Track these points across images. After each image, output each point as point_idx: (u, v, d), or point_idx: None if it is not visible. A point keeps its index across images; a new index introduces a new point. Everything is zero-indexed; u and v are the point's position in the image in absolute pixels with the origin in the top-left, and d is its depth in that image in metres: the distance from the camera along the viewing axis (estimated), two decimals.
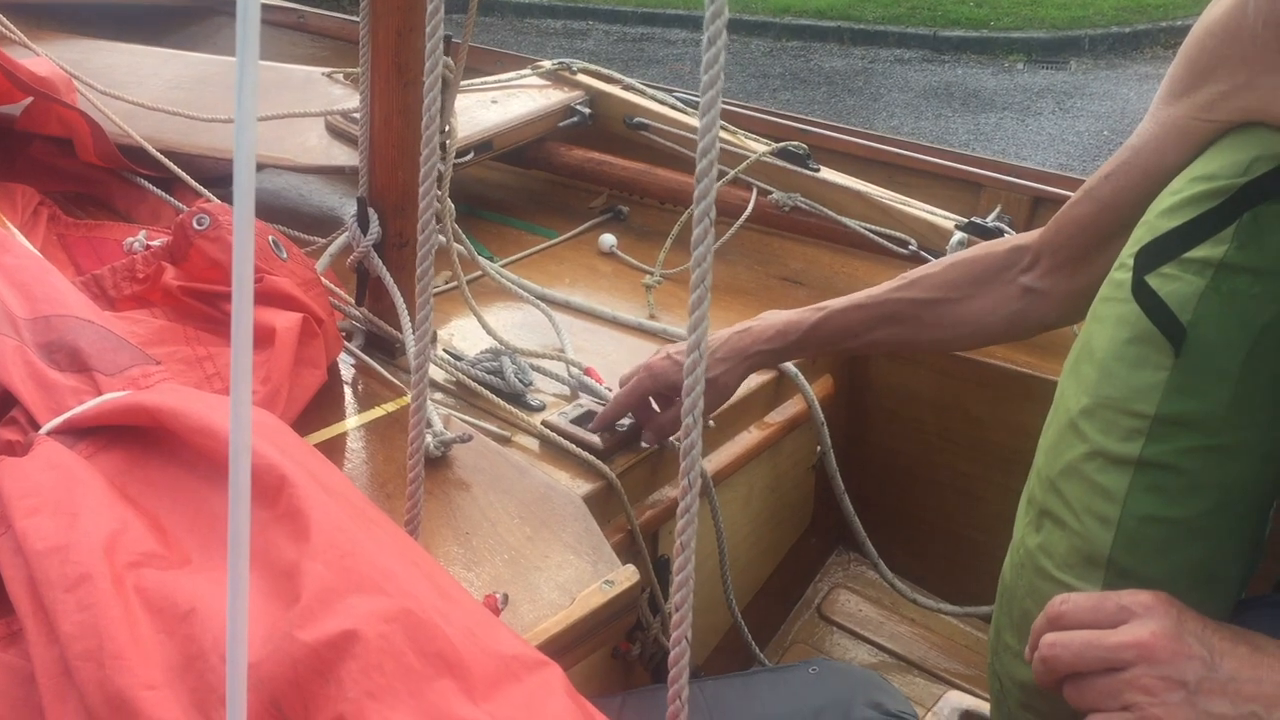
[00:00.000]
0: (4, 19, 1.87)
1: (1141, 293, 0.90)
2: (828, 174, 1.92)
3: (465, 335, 1.63)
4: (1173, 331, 0.88)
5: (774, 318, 1.38)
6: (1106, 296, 0.96)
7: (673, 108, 2.12)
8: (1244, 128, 0.91)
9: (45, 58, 1.82)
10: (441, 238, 1.58)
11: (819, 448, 1.68)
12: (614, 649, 1.40)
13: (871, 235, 1.85)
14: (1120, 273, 0.94)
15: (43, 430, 0.89)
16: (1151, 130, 1.01)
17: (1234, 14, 0.92)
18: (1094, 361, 0.94)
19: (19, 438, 0.89)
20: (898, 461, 1.80)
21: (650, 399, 1.38)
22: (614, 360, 1.61)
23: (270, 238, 1.34)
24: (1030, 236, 1.22)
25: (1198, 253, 0.88)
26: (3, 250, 1.20)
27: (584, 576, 1.09)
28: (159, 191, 1.74)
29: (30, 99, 1.73)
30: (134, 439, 0.86)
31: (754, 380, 1.57)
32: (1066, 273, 1.17)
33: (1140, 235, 0.94)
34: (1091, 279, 1.04)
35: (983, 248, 1.28)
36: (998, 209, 1.85)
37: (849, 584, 1.84)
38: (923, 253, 1.80)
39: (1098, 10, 9.20)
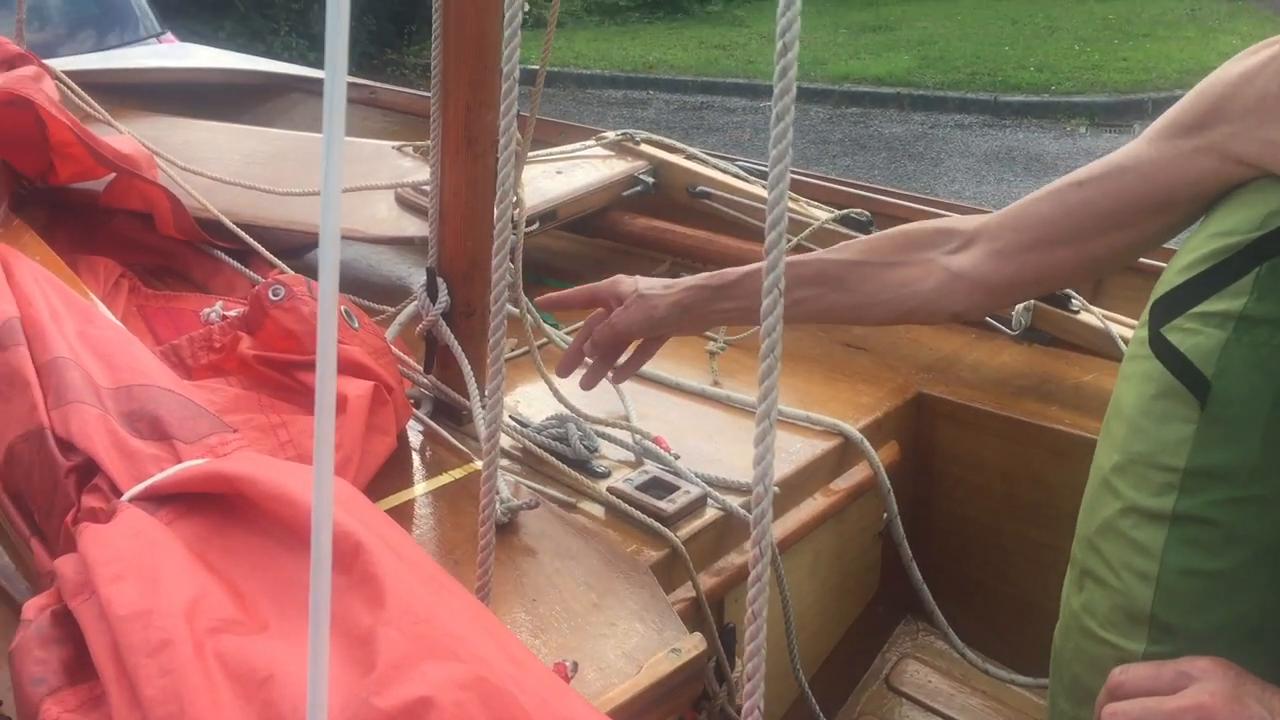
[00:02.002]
0: (89, 98, 1.95)
1: (1160, 347, 0.91)
2: None
3: (530, 401, 1.64)
4: (1197, 385, 0.88)
5: (709, 274, 1.39)
6: (1132, 355, 0.97)
7: (735, 176, 2.14)
8: (1257, 183, 0.92)
9: (128, 135, 1.89)
10: (511, 307, 1.60)
11: (885, 515, 1.66)
12: (680, 719, 1.39)
13: None
14: (1142, 330, 0.95)
15: (125, 497, 0.91)
16: (1148, 156, 1.02)
17: (1254, 68, 0.94)
18: (1123, 418, 0.94)
19: (102, 504, 0.92)
20: (965, 528, 1.77)
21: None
22: (678, 427, 1.61)
23: (343, 308, 1.37)
24: (966, 221, 1.21)
25: (1217, 305, 0.89)
26: (87, 321, 1.24)
27: (650, 644, 1.09)
28: (235, 263, 1.78)
29: (113, 175, 1.80)
30: (212, 506, 0.88)
31: (818, 447, 1.56)
32: (995, 262, 1.15)
33: (1156, 290, 0.95)
34: (1016, 276, 1.08)
35: (917, 224, 1.27)
36: None
37: (918, 654, 1.81)
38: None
39: (1161, 73, 9.16)
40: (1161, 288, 0.96)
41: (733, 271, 1.34)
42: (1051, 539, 1.68)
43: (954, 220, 1.24)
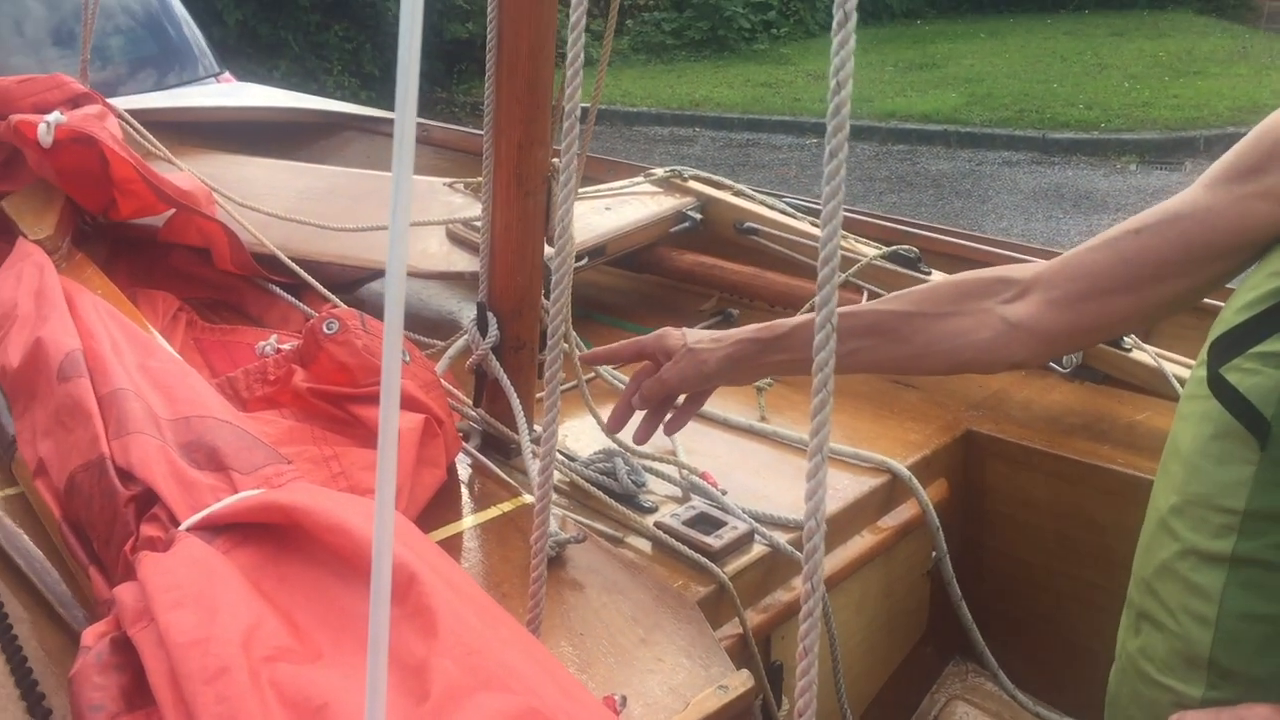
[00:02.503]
0: (151, 136, 2.00)
1: (1219, 388, 0.89)
2: (939, 277, 1.91)
3: (578, 436, 1.65)
4: (1257, 425, 0.87)
5: (756, 326, 1.36)
6: (1189, 394, 0.95)
7: (782, 212, 2.15)
8: None
9: (188, 172, 1.93)
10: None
11: (934, 553, 1.65)
12: None
13: None
14: (1200, 370, 0.94)
15: (183, 526, 0.93)
16: (1205, 203, 1.01)
17: None
18: (1181, 459, 0.93)
19: (160, 533, 0.94)
20: (1015, 568, 1.75)
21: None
22: (725, 462, 1.61)
23: None
24: (1021, 270, 1.19)
25: (1276, 345, 0.87)
26: (147, 354, 1.27)
27: (697, 681, 1.09)
28: (289, 297, 1.81)
29: (173, 210, 1.84)
30: (268, 536, 0.89)
31: (866, 484, 1.56)
32: (1053, 311, 1.14)
33: (1215, 330, 0.93)
34: (1074, 325, 1.06)
35: (972, 273, 1.25)
36: None
37: (967, 696, 1.79)
38: None
39: (1212, 111, 9.08)
40: (1220, 327, 0.95)
41: (783, 324, 1.33)
42: (1104, 580, 1.66)
43: (1009, 269, 1.23)
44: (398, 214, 0.50)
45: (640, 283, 2.28)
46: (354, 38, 10.33)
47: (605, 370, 1.74)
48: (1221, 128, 8.73)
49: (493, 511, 1.37)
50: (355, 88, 10.13)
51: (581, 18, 0.74)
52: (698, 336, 1.37)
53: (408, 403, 1.31)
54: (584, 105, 1.72)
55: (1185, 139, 8.68)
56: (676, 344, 1.36)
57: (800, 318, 1.34)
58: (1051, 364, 1.78)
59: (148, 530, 0.95)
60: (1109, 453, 1.63)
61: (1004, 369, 1.23)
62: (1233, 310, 0.94)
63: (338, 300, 1.74)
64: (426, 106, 11.15)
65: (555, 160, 1.52)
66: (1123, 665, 0.97)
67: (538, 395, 1.57)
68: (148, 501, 0.99)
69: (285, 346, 1.52)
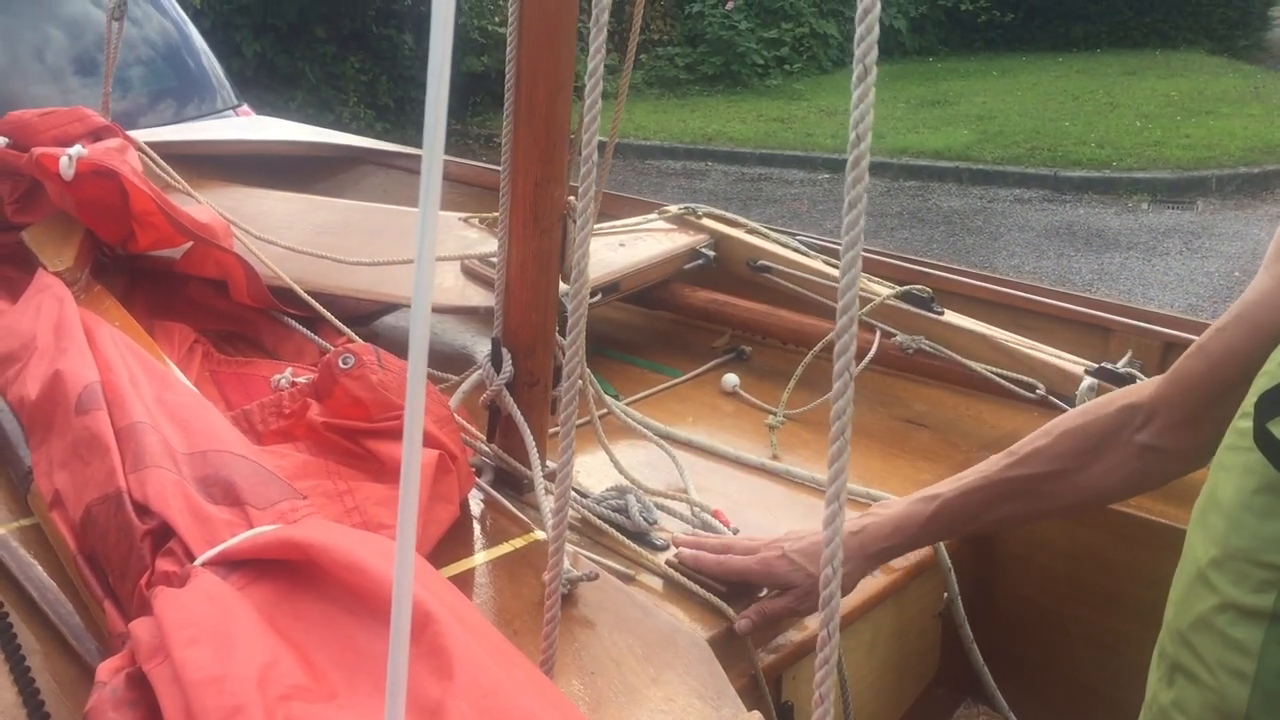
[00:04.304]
0: (170, 169, 2.02)
1: (1265, 440, 0.89)
2: (952, 317, 1.92)
3: (590, 472, 1.66)
4: None
5: (886, 512, 1.35)
6: (1231, 445, 0.94)
7: (796, 250, 2.16)
8: None
9: (206, 205, 1.94)
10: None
11: (945, 594, 1.64)
12: None
13: (997, 379, 1.84)
14: (1243, 421, 0.93)
15: (198, 561, 0.93)
16: (1264, 285, 1.01)
17: None
18: (1221, 512, 0.92)
19: (176, 568, 0.94)
20: (1028, 611, 1.74)
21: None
22: (736, 500, 1.61)
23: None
24: (1141, 393, 1.20)
25: None
26: (164, 387, 1.28)
27: None
28: (305, 330, 1.82)
29: (190, 243, 1.85)
30: (283, 572, 0.89)
31: None
32: (1185, 429, 1.14)
33: (1261, 384, 0.93)
34: (1212, 433, 1.02)
35: (1089, 411, 1.25)
36: (1128, 354, 1.82)
37: None
38: (1051, 398, 1.78)
39: (1224, 150, 9.08)
40: (1266, 380, 0.94)
41: (905, 519, 1.33)
42: (1117, 623, 1.65)
43: (1127, 395, 1.23)
44: (424, 254, 0.51)
45: (653, 319, 2.29)
46: (370, 70, 10.41)
47: (618, 406, 1.75)
48: (1234, 168, 8.73)
49: (505, 548, 1.37)
50: (371, 119, 10.20)
51: (600, 63, 0.75)
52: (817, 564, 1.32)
53: (423, 438, 1.32)
54: (601, 139, 1.73)
55: (1197, 179, 8.68)
56: (797, 578, 1.32)
57: (926, 505, 1.32)
58: (1063, 404, 1.78)
59: (163, 565, 0.95)
60: (1154, 505, 1.62)
61: (1164, 484, 1.24)
62: (1277, 362, 0.94)
63: (353, 334, 1.75)
64: None
65: (571, 198, 1.53)
66: (1153, 717, 0.96)
67: (551, 431, 1.58)
68: (164, 536, 1.00)
69: (300, 380, 1.52)
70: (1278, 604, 0.87)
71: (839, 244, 2.43)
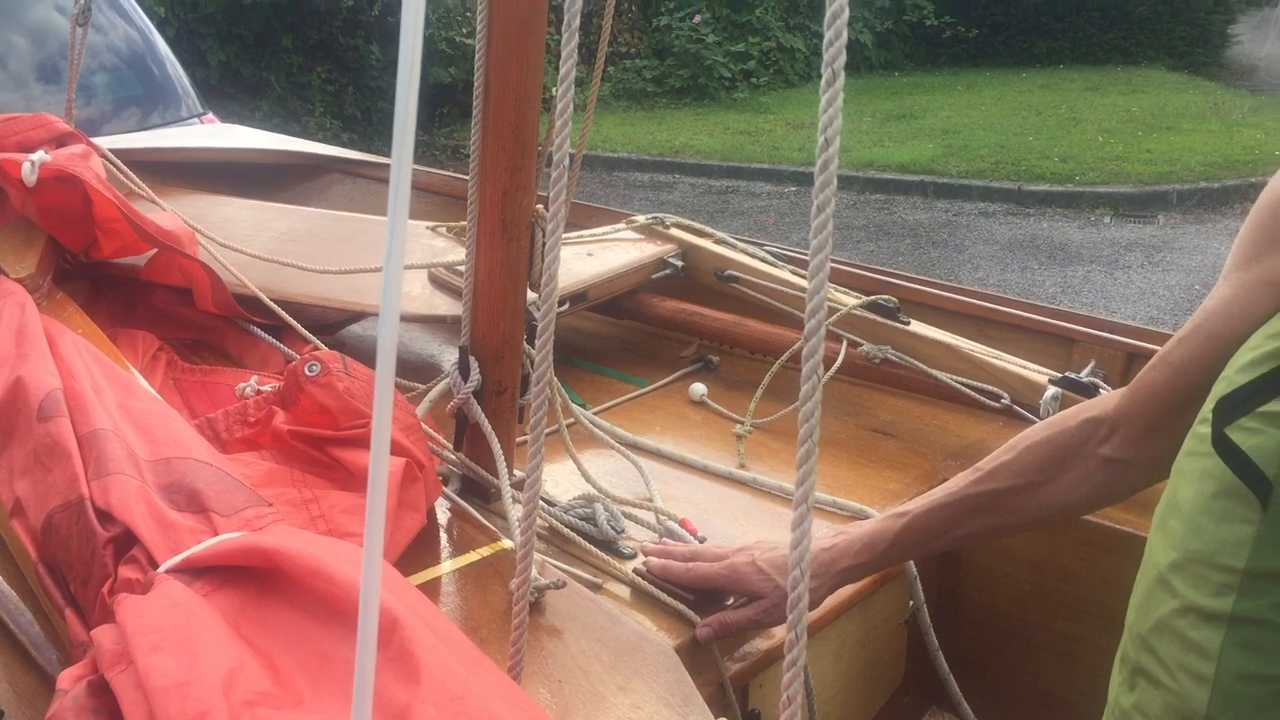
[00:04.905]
0: (134, 176, 2.00)
1: (1223, 446, 0.90)
2: (918, 327, 1.93)
3: (557, 481, 1.66)
4: (1259, 485, 0.88)
5: (857, 530, 1.36)
6: (1190, 450, 0.96)
7: (763, 260, 2.17)
8: None
9: (171, 212, 1.93)
10: None
11: (911, 602, 1.65)
12: None
13: (963, 388, 1.85)
14: (1202, 427, 0.95)
15: (162, 568, 0.92)
16: (1222, 295, 1.03)
17: None
18: (1181, 516, 0.94)
19: (139, 576, 0.93)
20: (992, 619, 1.76)
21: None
22: (704, 509, 1.62)
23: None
24: (1104, 406, 1.21)
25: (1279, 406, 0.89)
26: (128, 394, 1.27)
27: None
28: (270, 338, 1.81)
29: (154, 250, 1.84)
30: (248, 579, 0.89)
31: None
32: (1148, 440, 1.15)
33: (1219, 389, 0.94)
34: (1175, 443, 1.03)
35: (1053, 425, 1.26)
36: (1091, 364, 1.84)
37: None
38: (1016, 407, 1.80)
39: (1185, 166, 9.21)
40: (1224, 386, 0.95)
41: (875, 536, 1.34)
42: (1080, 631, 1.66)
43: (1089, 408, 1.24)
44: (392, 261, 0.51)
45: (621, 329, 2.29)
46: (336, 80, 10.38)
47: (585, 416, 1.75)
48: (1194, 183, 8.85)
49: (472, 556, 1.37)
50: (337, 129, 10.17)
51: (570, 72, 0.75)
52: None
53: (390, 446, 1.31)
54: (569, 150, 1.74)
55: (1158, 193, 8.79)
56: (765, 588, 1.32)
57: (895, 521, 1.34)
58: (1028, 414, 1.79)
59: (126, 572, 0.94)
60: (1113, 512, 1.64)
61: (1130, 496, 1.25)
62: (1235, 369, 0.95)
63: (319, 342, 1.74)
64: None
65: (540, 207, 1.53)
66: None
67: (519, 440, 1.58)
68: (127, 543, 0.99)
69: (266, 388, 1.52)
70: (1236, 606, 0.88)
71: (806, 254, 2.44)
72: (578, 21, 0.82)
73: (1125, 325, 1.91)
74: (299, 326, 1.77)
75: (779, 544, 1.35)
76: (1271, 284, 0.97)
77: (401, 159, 0.57)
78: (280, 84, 10.05)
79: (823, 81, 0.59)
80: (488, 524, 1.43)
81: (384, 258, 0.56)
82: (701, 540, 1.49)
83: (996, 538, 1.57)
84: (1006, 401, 1.81)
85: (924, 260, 7.61)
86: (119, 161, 2.00)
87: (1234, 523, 0.89)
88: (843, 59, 0.59)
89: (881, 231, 8.46)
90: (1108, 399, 1.23)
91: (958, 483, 1.31)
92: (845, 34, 0.59)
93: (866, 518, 1.59)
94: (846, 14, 0.58)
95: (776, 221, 8.80)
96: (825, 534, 1.56)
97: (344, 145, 9.08)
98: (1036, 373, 1.81)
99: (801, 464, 0.62)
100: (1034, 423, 1.85)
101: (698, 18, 13.69)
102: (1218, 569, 0.90)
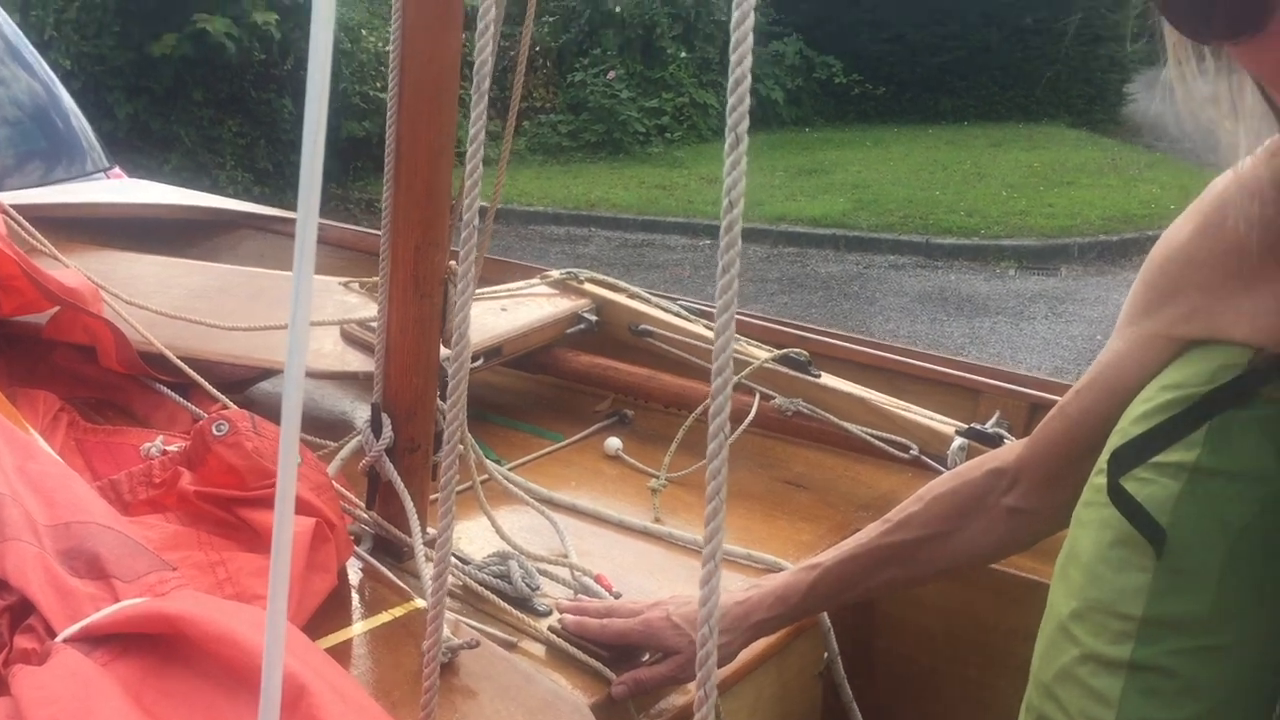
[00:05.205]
0: (36, 232, 1.96)
1: (1118, 496, 0.93)
2: (829, 380, 1.96)
3: (471, 538, 1.64)
4: (1153, 534, 0.91)
5: (770, 584, 1.37)
6: (1088, 501, 0.99)
7: (677, 315, 2.19)
8: (1208, 341, 0.96)
9: (74, 269, 1.89)
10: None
11: (825, 655, 1.66)
12: None
13: (873, 440, 1.88)
14: (1098, 478, 0.98)
15: (59, 638, 0.90)
16: (1116, 348, 1.06)
17: (1196, 241, 0.99)
18: (1080, 565, 0.96)
19: (36, 646, 0.90)
20: (907, 669, 1.78)
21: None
22: (620, 564, 1.61)
23: None
24: (1006, 456, 1.24)
25: (1171, 456, 0.92)
26: (26, 456, 1.23)
27: None
28: (177, 397, 1.78)
29: (57, 308, 1.80)
30: (151, 646, 0.86)
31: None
32: (1049, 489, 1.17)
33: (1114, 441, 0.98)
34: (1075, 492, 1.06)
35: (959, 475, 1.29)
36: (996, 415, 1.89)
37: None
38: (924, 458, 1.83)
39: (1085, 219, 9.52)
40: (1118, 438, 0.98)
41: (788, 590, 1.35)
42: (992, 679, 1.69)
43: (992, 458, 1.26)
44: (297, 319, 0.51)
45: (536, 384, 2.29)
46: (248, 134, 10.29)
47: (499, 472, 1.74)
48: (1094, 235, 9.15)
49: (384, 616, 1.35)
50: (249, 183, 10.07)
51: (481, 129, 0.76)
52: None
53: (299, 506, 1.29)
54: (483, 204, 1.74)
55: (1060, 246, 9.07)
56: (680, 643, 1.32)
57: (808, 574, 1.34)
58: (938, 465, 1.83)
59: (22, 642, 0.91)
60: (1021, 561, 1.67)
61: (1034, 544, 1.28)
62: (1130, 421, 0.98)
63: (228, 400, 1.71)
64: (321, 203, 11.08)
65: (452, 263, 1.53)
66: None
67: (432, 497, 1.56)
68: (23, 612, 0.96)
69: (172, 448, 1.48)
70: (1135, 654, 0.90)
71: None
72: (487, 84, 0.83)
73: (1028, 377, 1.96)
74: (206, 384, 1.74)
75: (693, 599, 1.36)
76: (1163, 338, 1.01)
77: (308, 214, 0.57)
78: (190, 137, 9.94)
79: (726, 145, 0.61)
80: (400, 583, 1.41)
81: (290, 314, 0.56)
82: (616, 596, 1.49)
83: (908, 588, 1.60)
84: (915, 453, 1.85)
85: (836, 312, 7.74)
86: (20, 217, 1.95)
87: (1130, 571, 0.92)
88: (745, 124, 0.60)
89: (795, 284, 8.59)
90: (1010, 449, 1.26)
91: (868, 534, 1.33)
92: (748, 100, 0.60)
93: (780, 570, 1.60)
94: (748, 82, 0.60)
95: (692, 274, 8.89)
96: (739, 587, 1.57)
97: (256, 198, 8.96)
98: (943, 424, 1.85)
99: (710, 520, 0.63)
100: (942, 473, 1.89)
101: (612, 74, 13.87)
102: (1116, 617, 0.92)
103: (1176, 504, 0.91)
